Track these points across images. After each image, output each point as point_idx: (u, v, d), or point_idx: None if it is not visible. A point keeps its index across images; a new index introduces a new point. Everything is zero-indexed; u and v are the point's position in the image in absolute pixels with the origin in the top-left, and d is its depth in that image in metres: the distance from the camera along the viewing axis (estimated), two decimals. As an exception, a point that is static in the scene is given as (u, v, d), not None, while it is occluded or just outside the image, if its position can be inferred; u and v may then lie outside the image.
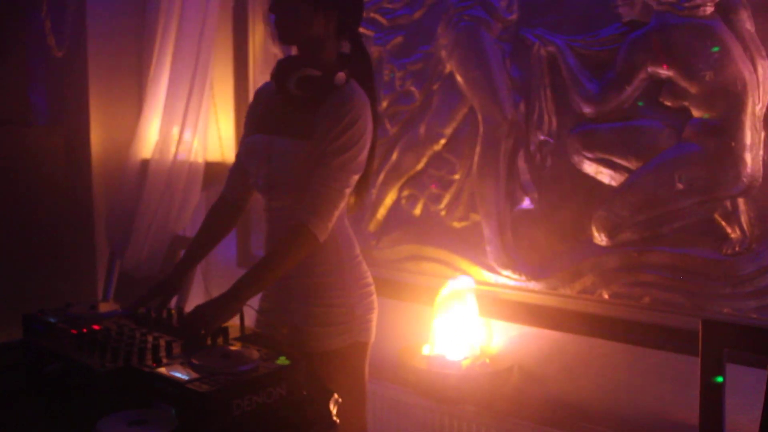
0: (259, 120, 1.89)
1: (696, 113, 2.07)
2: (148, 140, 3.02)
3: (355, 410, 1.86)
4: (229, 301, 1.64)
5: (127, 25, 3.31)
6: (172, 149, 2.95)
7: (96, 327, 1.68)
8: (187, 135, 2.96)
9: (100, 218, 3.22)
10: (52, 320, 1.73)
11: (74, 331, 1.63)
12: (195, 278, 3.02)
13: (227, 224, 2.00)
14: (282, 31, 1.78)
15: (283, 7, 1.75)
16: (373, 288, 1.91)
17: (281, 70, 1.80)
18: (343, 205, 1.77)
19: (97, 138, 3.28)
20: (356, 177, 1.77)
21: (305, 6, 1.73)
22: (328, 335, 1.79)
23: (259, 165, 1.82)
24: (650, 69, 2.14)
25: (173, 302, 2.70)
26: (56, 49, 3.08)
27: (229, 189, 1.98)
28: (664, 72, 2.11)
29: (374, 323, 1.89)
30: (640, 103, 2.17)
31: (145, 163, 3.02)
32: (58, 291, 3.16)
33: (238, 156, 1.95)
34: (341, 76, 1.74)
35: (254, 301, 1.80)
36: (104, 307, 1.85)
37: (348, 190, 1.76)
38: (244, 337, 1.66)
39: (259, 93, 1.96)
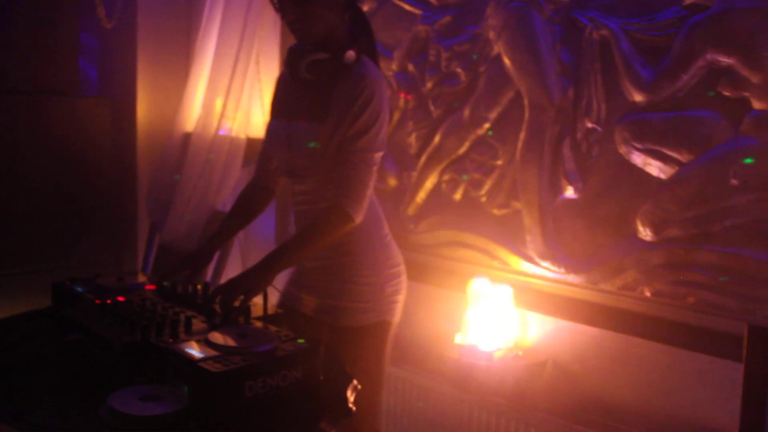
0: (279, 105, 1.94)
1: (757, 105, 1.95)
2: (192, 114, 3.02)
3: (372, 390, 1.86)
4: (263, 272, 1.68)
5: (176, -1, 3.32)
6: (215, 124, 2.94)
7: (120, 299, 1.68)
8: (229, 110, 2.94)
9: (144, 190, 3.25)
10: (79, 289, 1.75)
11: (98, 302, 1.64)
12: (233, 254, 3.03)
13: (258, 206, 2.05)
14: (299, 34, 1.79)
15: (295, 12, 1.74)
16: (402, 269, 1.93)
17: (292, 57, 1.82)
18: (372, 184, 1.78)
19: (143, 110, 3.31)
20: (381, 154, 1.79)
21: (315, 6, 1.73)
22: (355, 311, 1.83)
23: (281, 150, 1.87)
24: (710, 56, 2.01)
25: (207, 277, 2.71)
26: (106, 20, 3.09)
27: (259, 173, 2.04)
28: (725, 59, 1.99)
29: (401, 304, 1.92)
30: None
31: (187, 137, 3.02)
32: (101, 262, 3.21)
33: (264, 142, 1.99)
34: (350, 54, 1.76)
35: (279, 281, 1.78)
36: (132, 279, 1.85)
37: (375, 167, 1.78)
38: (267, 317, 1.63)
39: (279, 79, 2.00)
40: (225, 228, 2.02)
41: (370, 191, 1.77)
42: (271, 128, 1.92)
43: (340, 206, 1.72)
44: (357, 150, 1.73)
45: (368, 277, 1.83)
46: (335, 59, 1.76)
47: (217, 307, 1.59)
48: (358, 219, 1.74)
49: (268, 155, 1.99)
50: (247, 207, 2.03)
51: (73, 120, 3.18)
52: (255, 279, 1.65)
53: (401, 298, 1.91)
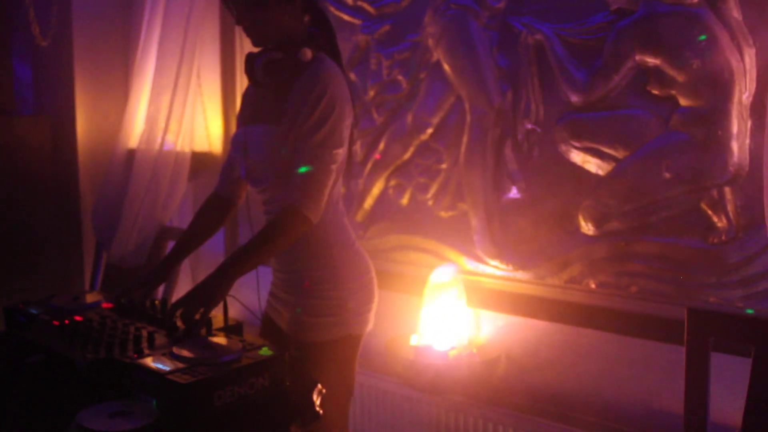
0: (242, 115, 1.91)
1: (683, 102, 2.07)
2: (135, 130, 3.00)
3: (340, 403, 1.85)
4: (220, 281, 1.62)
5: (112, 14, 3.28)
6: (159, 139, 2.92)
7: (78, 318, 1.67)
8: (173, 125, 2.93)
9: (87, 209, 3.20)
10: (34, 311, 1.72)
11: (56, 323, 1.62)
12: (183, 270, 3.01)
13: (219, 219, 2.00)
14: (254, 39, 1.77)
15: (249, 18, 1.73)
16: (370, 277, 1.86)
17: (249, 62, 1.78)
18: (331, 183, 1.72)
19: (83, 128, 3.26)
20: (341, 151, 1.72)
21: (269, 11, 1.71)
22: (319, 327, 1.79)
23: (240, 156, 1.84)
24: (638, 57, 2.13)
25: (159, 293, 2.69)
26: (41, 38, 3.04)
27: (221, 184, 1.99)
28: (652, 60, 2.10)
29: (371, 314, 1.86)
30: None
31: (131, 153, 2.99)
32: (46, 282, 3.14)
33: (229, 151, 1.96)
34: (305, 51, 1.72)
35: (236, 290, 1.78)
36: (87, 298, 1.84)
37: (334, 166, 1.71)
38: (228, 328, 1.65)
39: (244, 92, 1.97)
40: (184, 243, 1.96)
41: (327, 190, 1.70)
42: (233, 137, 1.90)
43: (293, 206, 1.65)
44: (312, 146, 1.66)
45: (329, 291, 1.78)
46: (290, 58, 1.72)
47: (179, 321, 1.59)
48: (314, 219, 1.68)
49: (231, 165, 1.96)
50: (207, 219, 1.98)
51: (10, 139, 3.11)
52: (212, 289, 1.60)
53: (371, 308, 1.86)
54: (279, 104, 1.74)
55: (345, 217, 1.87)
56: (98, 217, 3.03)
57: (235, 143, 1.88)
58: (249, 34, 1.77)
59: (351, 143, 1.82)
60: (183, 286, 2.98)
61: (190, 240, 1.97)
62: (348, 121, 1.74)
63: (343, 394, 1.86)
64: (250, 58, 1.78)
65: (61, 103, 3.26)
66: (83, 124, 3.26)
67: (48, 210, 3.22)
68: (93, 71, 3.26)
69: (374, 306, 1.88)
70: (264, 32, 1.74)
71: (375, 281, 1.88)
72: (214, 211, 1.99)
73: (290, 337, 1.81)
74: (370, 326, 1.87)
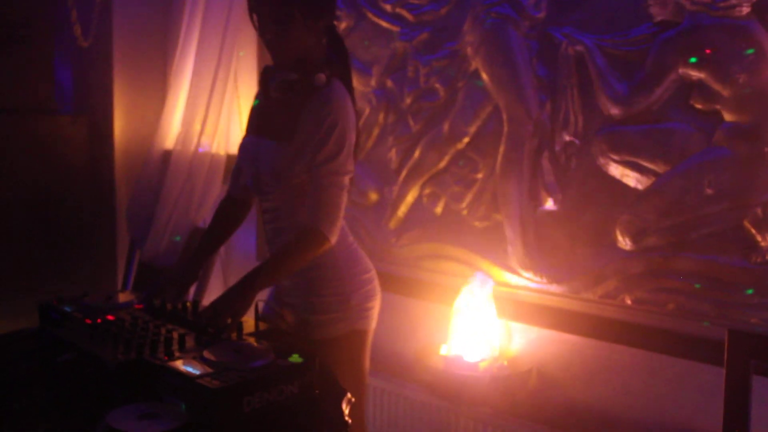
0: (252, 122, 1.98)
1: (728, 117, 2.02)
2: (171, 131, 3.02)
3: (353, 396, 1.86)
4: (244, 293, 1.70)
5: (152, 16, 3.32)
6: (194, 141, 2.94)
7: (110, 318, 1.68)
8: (209, 127, 2.95)
9: (122, 208, 3.23)
10: (67, 309, 1.74)
11: (88, 321, 1.63)
12: (214, 271, 3.02)
13: (235, 220, 2.08)
14: (275, 53, 1.82)
15: (273, 31, 1.77)
16: (371, 275, 1.95)
17: (265, 76, 1.88)
18: (344, 204, 1.82)
19: (121, 128, 3.29)
20: (350, 176, 1.83)
21: (294, 28, 1.76)
22: (324, 323, 1.86)
23: (248, 166, 1.91)
24: (681, 70, 2.08)
25: (190, 294, 2.70)
26: (82, 39, 3.08)
27: (233, 187, 2.07)
28: (696, 74, 2.06)
29: (375, 311, 1.94)
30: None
31: (167, 154, 3.01)
32: (80, 280, 3.18)
33: (237, 156, 2.02)
34: (320, 77, 1.78)
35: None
36: (120, 298, 1.85)
37: (346, 189, 1.82)
38: (259, 333, 1.64)
39: (256, 96, 2.03)
40: (206, 243, 2.05)
41: (342, 212, 1.81)
42: (243, 144, 1.96)
43: (317, 228, 1.75)
44: (328, 174, 1.76)
45: (333, 288, 1.86)
46: (305, 80, 1.79)
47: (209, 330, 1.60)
48: (334, 240, 1.78)
49: (239, 171, 2.03)
50: (224, 221, 2.07)
51: (49, 138, 3.16)
52: (237, 300, 1.68)
53: (374, 305, 1.93)
54: (290, 122, 1.81)
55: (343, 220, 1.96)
56: (132, 216, 3.05)
57: (244, 152, 1.94)
58: (270, 48, 1.82)
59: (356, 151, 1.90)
60: (214, 287, 3.00)
61: (212, 241, 2.07)
62: (352, 150, 1.83)
63: (354, 392, 1.88)
64: (266, 73, 1.88)
65: (99, 103, 3.30)
66: (121, 125, 3.30)
67: (84, 208, 3.26)
68: (132, 72, 3.29)
69: (377, 304, 1.94)
70: (285, 47, 1.79)
71: (376, 280, 1.96)
72: (230, 213, 2.07)
73: (296, 337, 1.87)
74: (374, 323, 1.94)
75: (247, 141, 1.95)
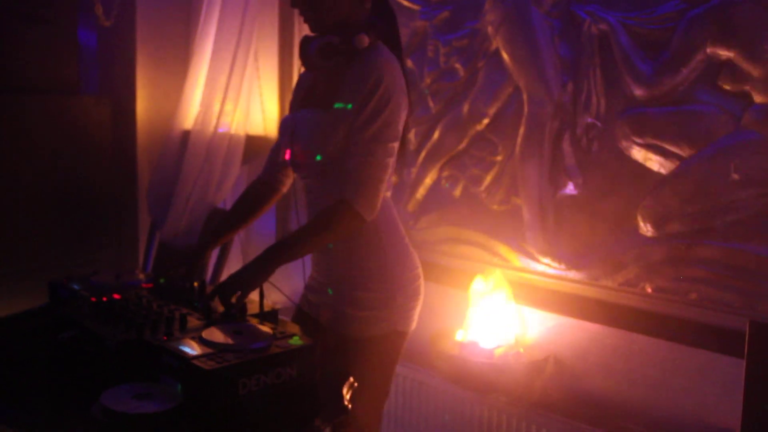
0: (294, 101, 1.88)
1: (758, 98, 1.93)
2: (191, 112, 3.01)
3: (376, 402, 1.81)
4: (261, 267, 1.61)
5: (175, -4, 3.31)
6: (213, 121, 2.93)
7: (117, 296, 1.67)
8: (228, 107, 2.93)
9: (144, 188, 3.24)
10: (75, 287, 1.74)
11: (94, 299, 1.63)
12: (233, 253, 3.01)
13: (260, 203, 1.95)
14: (311, 23, 1.71)
15: (306, 2, 1.68)
16: (418, 273, 1.81)
17: (304, 45, 1.72)
18: (387, 178, 1.66)
19: (143, 108, 3.29)
20: (395, 145, 1.65)
21: None
22: (366, 321, 1.72)
23: (286, 141, 1.80)
24: (709, 50, 2.00)
25: (209, 275, 2.70)
26: (104, 18, 3.08)
27: (266, 169, 1.96)
28: (725, 53, 1.97)
29: (417, 312, 1.80)
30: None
31: (186, 135, 3.01)
32: (103, 259, 3.20)
33: (278, 136, 1.92)
34: (362, 38, 1.64)
35: (276, 279, 1.76)
36: (128, 276, 1.84)
37: (390, 160, 1.65)
38: (262, 315, 1.62)
39: (300, 76, 1.91)
40: (224, 224, 1.96)
41: (383, 186, 1.63)
42: (281, 121, 1.86)
43: (347, 202, 1.60)
44: (367, 140, 1.60)
45: (378, 284, 1.72)
46: (347, 44, 1.65)
47: (217, 304, 1.58)
48: (369, 217, 1.62)
49: (278, 149, 1.90)
50: (249, 204, 1.94)
51: (73, 118, 3.17)
52: (252, 274, 1.59)
53: (417, 305, 1.80)
54: (330, 89, 1.70)
55: (394, 209, 1.81)
56: (152, 196, 3.06)
57: (283, 127, 1.84)
58: (306, 19, 1.72)
59: (405, 134, 1.75)
60: (233, 269, 2.99)
61: (232, 223, 1.96)
62: (403, 114, 1.67)
63: (381, 393, 1.82)
64: (305, 42, 1.73)
65: (122, 82, 3.30)
66: (143, 104, 3.30)
67: (107, 189, 3.28)
68: (154, 52, 3.29)
69: (420, 304, 1.81)
70: (321, 17, 1.69)
71: (422, 279, 1.82)
72: (258, 196, 1.94)
73: (330, 331, 1.76)
74: (415, 324, 1.81)
75: (287, 117, 1.84)
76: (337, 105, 1.64)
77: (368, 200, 1.62)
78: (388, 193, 1.78)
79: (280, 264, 1.62)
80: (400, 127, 1.66)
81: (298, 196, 1.90)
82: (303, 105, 1.80)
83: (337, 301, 1.76)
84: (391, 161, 1.65)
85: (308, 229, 1.66)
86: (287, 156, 1.80)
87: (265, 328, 1.47)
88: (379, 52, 1.67)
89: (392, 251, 1.75)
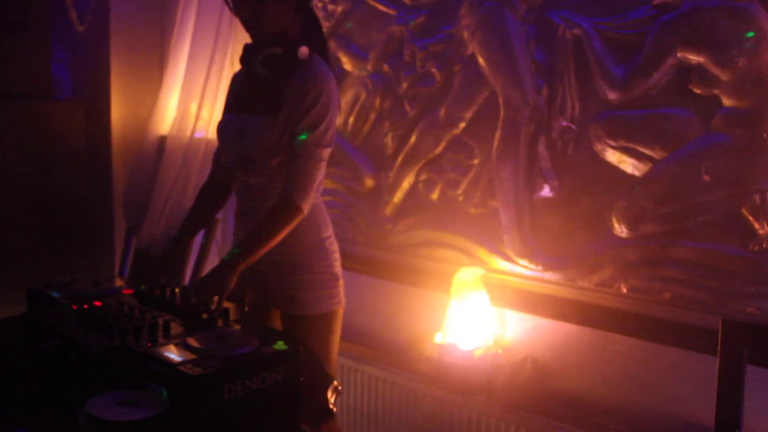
0: (232, 101, 2.01)
1: (726, 102, 1.98)
2: (167, 117, 3.00)
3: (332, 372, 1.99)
4: (228, 269, 1.73)
5: (149, 1, 3.29)
6: (190, 126, 2.92)
7: (97, 304, 1.66)
8: (205, 113, 2.92)
9: (120, 195, 3.22)
10: (55, 295, 1.72)
11: (75, 307, 1.62)
12: (211, 257, 3.00)
13: (217, 203, 2.12)
14: (254, 32, 1.86)
15: (248, 11, 1.81)
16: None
17: (247, 53, 1.90)
18: (321, 177, 1.87)
19: (118, 114, 3.27)
20: (329, 150, 1.87)
21: (270, 5, 1.80)
22: (318, 299, 1.93)
23: (233, 143, 1.92)
24: (680, 54, 2.04)
25: (186, 281, 2.69)
26: (78, 23, 3.06)
27: (215, 170, 2.09)
28: (695, 58, 2.02)
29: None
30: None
31: (162, 140, 3.00)
32: (78, 267, 3.17)
33: (218, 137, 2.03)
34: (304, 50, 1.84)
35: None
36: (108, 284, 1.83)
37: (323, 163, 1.87)
38: (245, 320, 1.63)
39: (233, 78, 2.07)
40: (188, 227, 2.08)
41: (317, 184, 1.85)
42: (224, 122, 1.98)
43: (290, 198, 1.80)
44: (309, 144, 1.81)
45: (325, 268, 1.95)
46: (289, 54, 1.83)
47: (199, 310, 1.59)
48: (306, 210, 1.83)
49: (222, 150, 2.04)
50: (207, 204, 2.10)
51: (47, 124, 3.15)
52: (223, 278, 1.70)
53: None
54: (275, 97, 1.84)
55: (324, 208, 2.03)
56: (128, 202, 3.04)
57: (228, 130, 1.95)
58: (248, 28, 1.85)
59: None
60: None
61: (194, 224, 2.10)
62: (336, 123, 1.88)
63: (331, 366, 1.98)
64: (248, 50, 1.89)
65: (96, 88, 3.28)
66: (118, 110, 3.27)
67: (82, 195, 3.25)
68: (129, 58, 3.27)
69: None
70: (262, 26, 1.83)
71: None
72: (212, 196, 2.10)
73: (281, 313, 1.95)
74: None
75: (229, 118, 1.97)
76: (284, 112, 1.82)
77: (307, 195, 1.83)
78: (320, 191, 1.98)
79: (247, 264, 1.77)
80: (334, 135, 1.89)
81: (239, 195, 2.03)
82: (244, 109, 1.92)
83: (285, 285, 1.94)
84: (324, 164, 1.88)
85: (266, 228, 1.82)
86: (236, 157, 1.92)
87: (248, 333, 1.48)
88: (318, 64, 1.86)
89: (328, 241, 1.98)
